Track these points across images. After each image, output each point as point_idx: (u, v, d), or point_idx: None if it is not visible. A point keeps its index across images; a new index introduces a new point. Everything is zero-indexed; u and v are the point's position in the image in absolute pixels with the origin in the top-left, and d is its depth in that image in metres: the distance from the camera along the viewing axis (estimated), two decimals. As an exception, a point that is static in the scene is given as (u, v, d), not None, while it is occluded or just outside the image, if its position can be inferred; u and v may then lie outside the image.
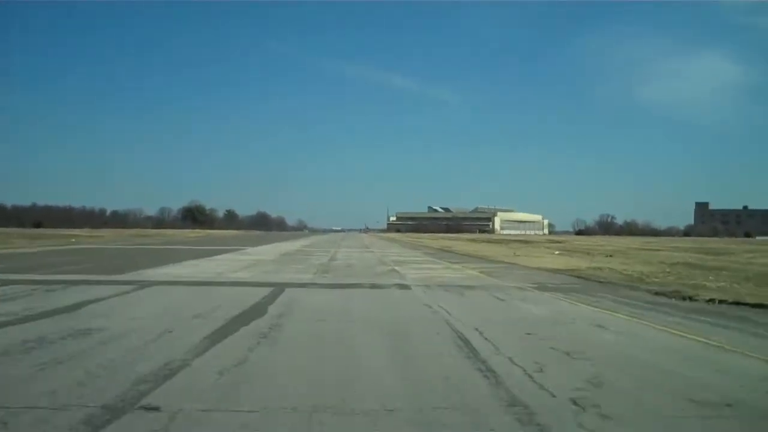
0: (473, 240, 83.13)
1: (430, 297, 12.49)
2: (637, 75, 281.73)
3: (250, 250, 37.02)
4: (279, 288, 13.60)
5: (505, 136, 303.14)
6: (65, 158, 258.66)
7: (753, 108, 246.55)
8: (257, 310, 9.84)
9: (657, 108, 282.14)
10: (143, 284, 13.87)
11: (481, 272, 20.53)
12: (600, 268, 22.39)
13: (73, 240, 50.05)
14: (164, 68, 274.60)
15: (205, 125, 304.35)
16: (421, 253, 36.62)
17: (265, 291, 12.84)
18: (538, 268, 22.81)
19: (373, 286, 14.58)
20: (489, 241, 72.43)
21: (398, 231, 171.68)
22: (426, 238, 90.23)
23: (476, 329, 8.31)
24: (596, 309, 10.98)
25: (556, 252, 41.08)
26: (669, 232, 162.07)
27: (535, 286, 15.27)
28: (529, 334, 8.14)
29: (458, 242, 67.23)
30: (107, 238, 62.98)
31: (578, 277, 18.57)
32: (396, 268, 22.11)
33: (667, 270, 22.01)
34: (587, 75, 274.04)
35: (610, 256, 36.47)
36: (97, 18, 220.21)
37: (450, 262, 26.29)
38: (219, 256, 28.17)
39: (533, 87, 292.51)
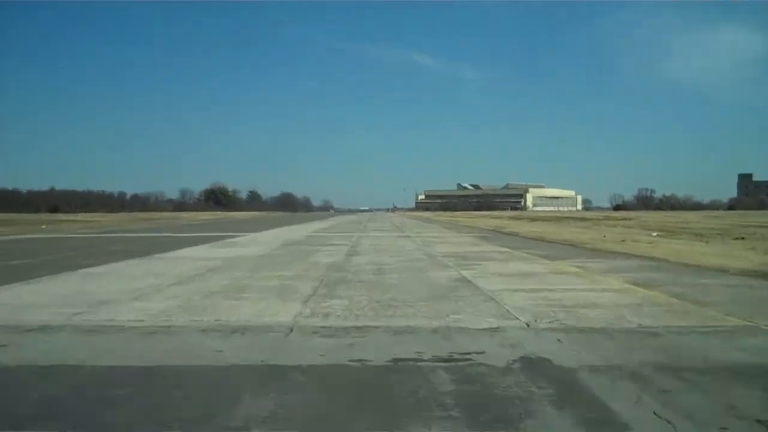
0: (516, 218, 72.72)
1: None
2: (667, 48, 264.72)
3: (243, 238, 27.45)
4: None
5: (532, 113, 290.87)
6: (88, 143, 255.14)
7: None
8: None
9: (689, 80, 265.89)
10: None
11: (631, 283, 10.54)
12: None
13: (44, 227, 41.52)
14: (186, 51, 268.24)
15: (229, 107, 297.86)
16: (477, 238, 26.58)
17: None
18: (712, 269, 12.76)
19: (473, 416, 4.56)
20: (538, 219, 61.65)
21: (427, 209, 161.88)
22: (460, 217, 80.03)
23: None
24: None
25: (654, 234, 30.69)
26: (712, 206, 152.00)
27: None
28: None
29: (503, 221, 56.92)
30: (103, 222, 56.48)
31: None
32: (464, 274, 12.16)
33: None
34: (617, 50, 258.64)
35: (741, 238, 26.03)
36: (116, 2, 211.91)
37: (546, 258, 15.98)
38: (181, 251, 18.71)
39: (561, 64, 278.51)
